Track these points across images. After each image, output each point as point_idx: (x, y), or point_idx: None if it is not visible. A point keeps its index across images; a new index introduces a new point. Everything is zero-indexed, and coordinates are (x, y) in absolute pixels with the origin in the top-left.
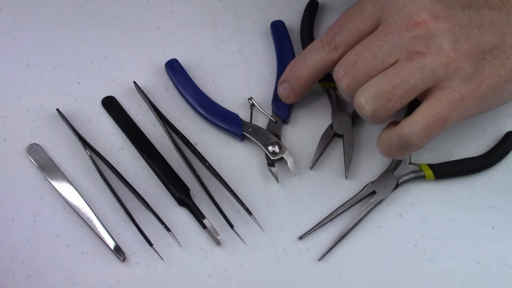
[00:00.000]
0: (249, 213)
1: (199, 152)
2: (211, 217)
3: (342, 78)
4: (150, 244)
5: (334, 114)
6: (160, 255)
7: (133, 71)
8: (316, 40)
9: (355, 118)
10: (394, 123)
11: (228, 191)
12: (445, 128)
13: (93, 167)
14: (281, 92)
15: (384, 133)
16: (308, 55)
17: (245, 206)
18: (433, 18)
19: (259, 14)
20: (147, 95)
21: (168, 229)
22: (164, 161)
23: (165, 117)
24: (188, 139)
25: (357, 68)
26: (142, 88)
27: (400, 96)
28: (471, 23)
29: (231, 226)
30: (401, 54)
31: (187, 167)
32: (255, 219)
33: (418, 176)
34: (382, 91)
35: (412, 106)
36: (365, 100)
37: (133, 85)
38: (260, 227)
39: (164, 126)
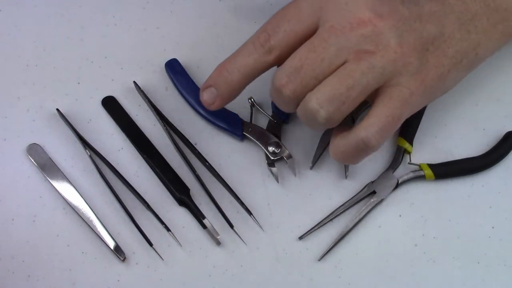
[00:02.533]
0: (249, 213)
1: (199, 152)
2: (211, 217)
3: (286, 85)
4: (150, 244)
5: None
6: (160, 255)
7: (133, 71)
8: (247, 42)
9: (355, 118)
10: (344, 128)
11: (228, 191)
12: (399, 125)
13: (93, 167)
14: (205, 98)
15: (338, 139)
16: (240, 58)
17: (245, 206)
18: (377, 15)
19: (259, 14)
20: (147, 95)
21: (168, 229)
22: (164, 161)
23: (165, 117)
24: (188, 139)
25: (303, 73)
26: (142, 88)
27: (355, 97)
28: (412, 15)
29: (231, 226)
30: (349, 54)
31: (187, 167)
32: (255, 219)
33: (418, 176)
34: (336, 93)
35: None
36: (319, 105)
37: (133, 85)
38: (260, 227)
39: (164, 126)
